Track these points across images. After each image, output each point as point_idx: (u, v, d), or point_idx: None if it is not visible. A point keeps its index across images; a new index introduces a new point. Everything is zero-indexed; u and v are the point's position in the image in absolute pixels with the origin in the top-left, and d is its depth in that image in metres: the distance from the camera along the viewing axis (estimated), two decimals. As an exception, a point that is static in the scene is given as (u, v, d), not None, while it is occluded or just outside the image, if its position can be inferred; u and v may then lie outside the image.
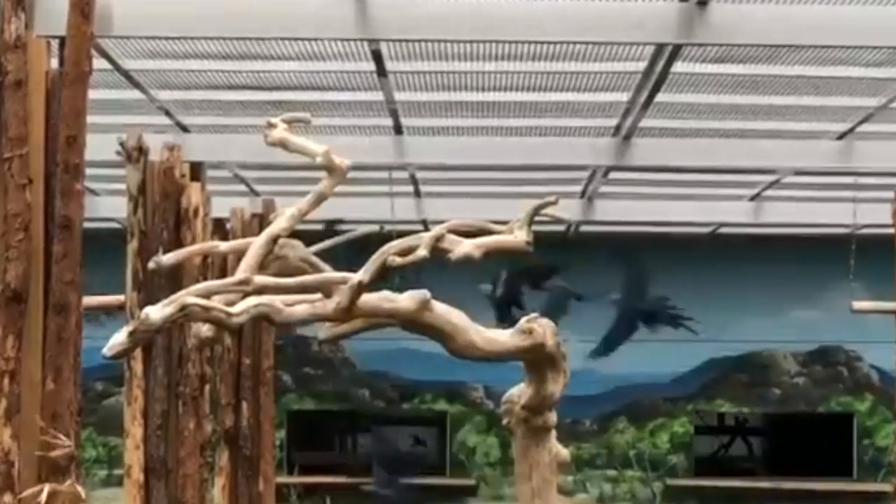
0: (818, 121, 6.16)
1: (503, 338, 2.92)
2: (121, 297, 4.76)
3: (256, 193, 7.75)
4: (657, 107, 5.73)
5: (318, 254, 3.40)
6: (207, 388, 4.89)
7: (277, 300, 2.67)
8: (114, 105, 5.67)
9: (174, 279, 4.51)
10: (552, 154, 6.46)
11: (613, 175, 7.38)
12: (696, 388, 9.87)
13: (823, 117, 6.09)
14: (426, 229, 3.32)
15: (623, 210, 8.31)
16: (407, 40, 4.71)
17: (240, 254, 2.97)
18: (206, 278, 4.56)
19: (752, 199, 8.19)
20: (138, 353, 4.54)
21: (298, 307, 2.70)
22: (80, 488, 3.23)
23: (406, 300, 2.78)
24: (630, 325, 5.87)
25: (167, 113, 6.05)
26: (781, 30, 4.36)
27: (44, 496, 3.18)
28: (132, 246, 4.72)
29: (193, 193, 4.91)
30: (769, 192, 7.93)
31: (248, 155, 6.35)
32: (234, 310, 2.59)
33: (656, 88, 5.32)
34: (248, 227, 6.08)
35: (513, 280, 6.36)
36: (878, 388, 9.72)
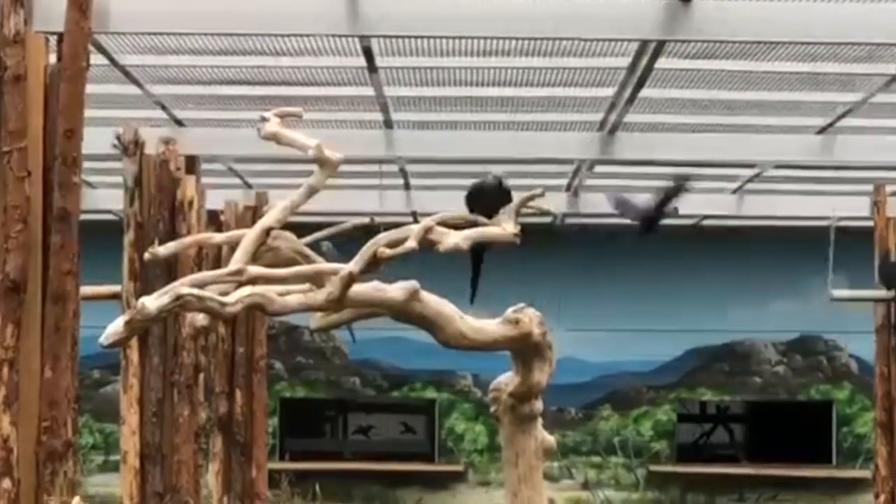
0: (799, 115, 6.24)
1: (491, 327, 3.00)
2: (116, 288, 4.84)
3: (250, 186, 7.81)
4: (641, 102, 5.81)
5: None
6: (202, 376, 4.97)
7: (270, 290, 2.75)
8: (111, 99, 5.72)
9: (169, 270, 4.59)
10: (538, 148, 6.54)
11: (598, 168, 7.46)
12: (678, 376, 9.98)
13: (804, 112, 6.17)
14: (415, 221, 3.40)
15: (608, 203, 8.39)
16: (397, 37, 4.79)
17: (233, 245, 3.05)
18: (200, 269, 4.65)
19: (735, 192, 8.28)
20: (134, 342, 4.62)
21: (291, 297, 2.78)
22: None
23: (396, 290, 2.86)
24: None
25: (163, 107, 6.10)
26: (763, 26, 4.44)
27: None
28: (128, 237, 4.80)
29: (188, 186, 5.00)
30: (751, 186, 8.03)
31: (241, 148, 6.41)
32: (227, 300, 2.66)
33: (640, 84, 5.40)
34: (242, 219, 6.17)
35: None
36: (856, 376, 9.86)
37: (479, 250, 3.29)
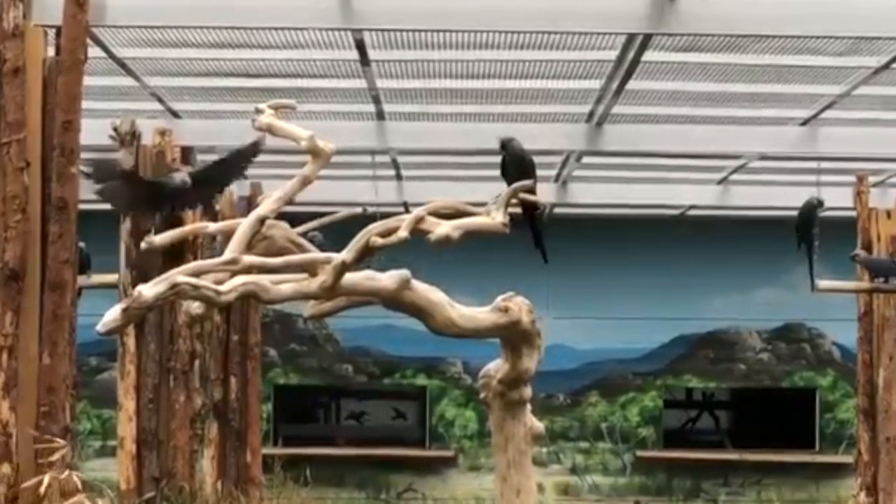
0: (783, 107, 6.33)
1: (481, 315, 3.07)
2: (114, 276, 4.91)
3: (244, 177, 7.85)
4: (628, 94, 5.88)
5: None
6: (197, 363, 5.05)
7: (264, 279, 2.82)
8: (108, 91, 5.78)
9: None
10: (527, 139, 6.52)
11: (586, 160, 7.53)
12: (665, 363, 10.10)
13: (788, 104, 6.26)
14: (407, 211, 3.47)
15: (596, 193, 8.50)
16: (389, 30, 4.86)
17: (228, 234, 3.12)
18: (196, 258, 4.72)
19: (720, 182, 8.36)
20: (131, 329, 4.69)
21: (285, 285, 2.85)
22: (77, 478, 3.33)
23: (387, 279, 2.93)
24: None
25: (159, 99, 6.15)
26: (748, 20, 4.53)
27: (43, 487, 3.30)
28: (125, 226, 4.87)
29: (184, 177, 5.04)
30: (736, 176, 8.11)
31: (236, 139, 6.45)
32: (222, 288, 2.73)
33: (627, 76, 5.48)
34: (237, 209, 6.23)
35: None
36: (839, 364, 9.99)
37: (534, 218, 3.41)
